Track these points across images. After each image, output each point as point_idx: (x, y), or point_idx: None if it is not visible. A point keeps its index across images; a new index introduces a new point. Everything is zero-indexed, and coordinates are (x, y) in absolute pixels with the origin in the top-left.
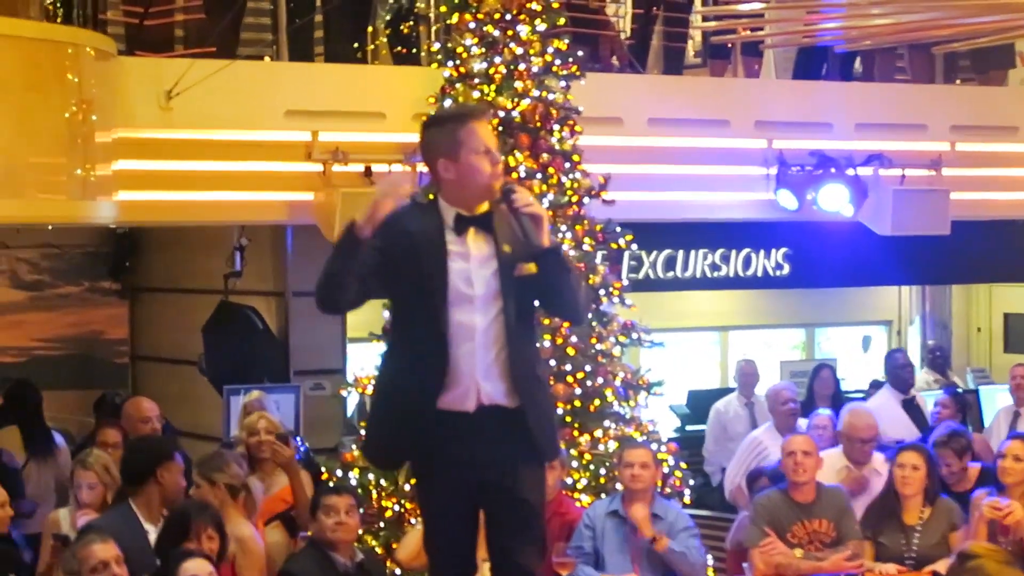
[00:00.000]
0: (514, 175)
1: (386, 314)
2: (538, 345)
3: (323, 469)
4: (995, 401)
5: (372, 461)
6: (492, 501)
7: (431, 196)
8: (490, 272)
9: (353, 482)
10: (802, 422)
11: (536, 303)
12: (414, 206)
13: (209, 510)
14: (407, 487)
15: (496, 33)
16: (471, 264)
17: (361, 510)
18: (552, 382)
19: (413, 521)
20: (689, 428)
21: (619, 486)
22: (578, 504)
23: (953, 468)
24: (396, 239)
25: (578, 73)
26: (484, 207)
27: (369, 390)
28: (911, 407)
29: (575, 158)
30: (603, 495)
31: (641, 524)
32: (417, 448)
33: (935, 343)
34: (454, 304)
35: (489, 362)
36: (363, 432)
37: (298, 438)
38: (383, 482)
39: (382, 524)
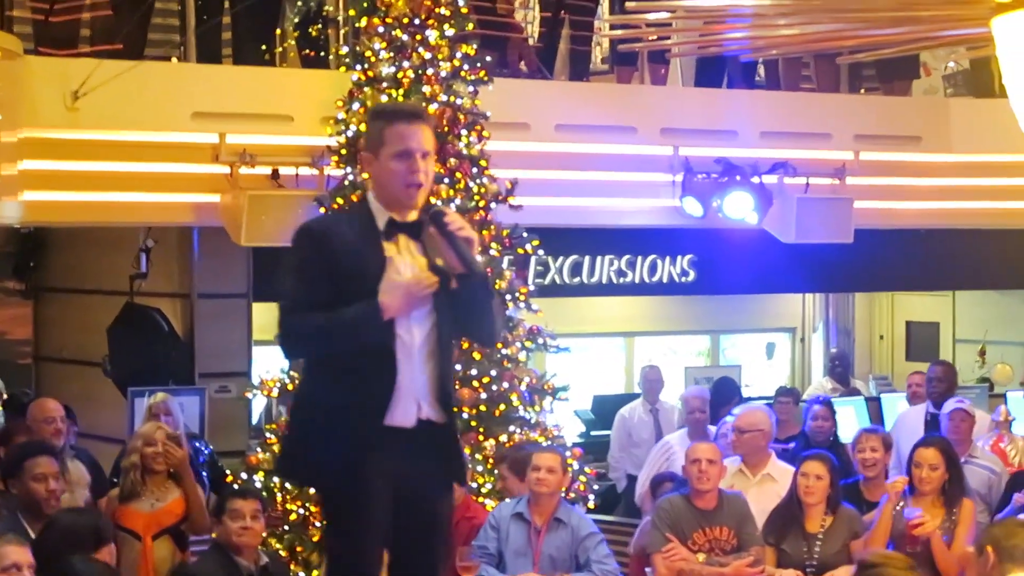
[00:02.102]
0: None
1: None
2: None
3: (228, 472)
4: (896, 408)
5: (293, 479)
6: (409, 514)
7: (351, 198)
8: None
9: (258, 485)
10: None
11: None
12: (340, 214)
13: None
14: (311, 490)
15: (404, 37)
16: (408, 277)
17: (266, 513)
18: (458, 386)
19: (318, 524)
20: (594, 433)
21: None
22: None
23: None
24: (337, 254)
25: (486, 78)
26: (413, 215)
27: (275, 393)
28: None
29: (482, 163)
30: (505, 499)
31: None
32: (354, 465)
33: (836, 351)
34: (397, 320)
35: (426, 378)
36: (282, 446)
37: (202, 441)
38: (288, 485)
39: (287, 527)
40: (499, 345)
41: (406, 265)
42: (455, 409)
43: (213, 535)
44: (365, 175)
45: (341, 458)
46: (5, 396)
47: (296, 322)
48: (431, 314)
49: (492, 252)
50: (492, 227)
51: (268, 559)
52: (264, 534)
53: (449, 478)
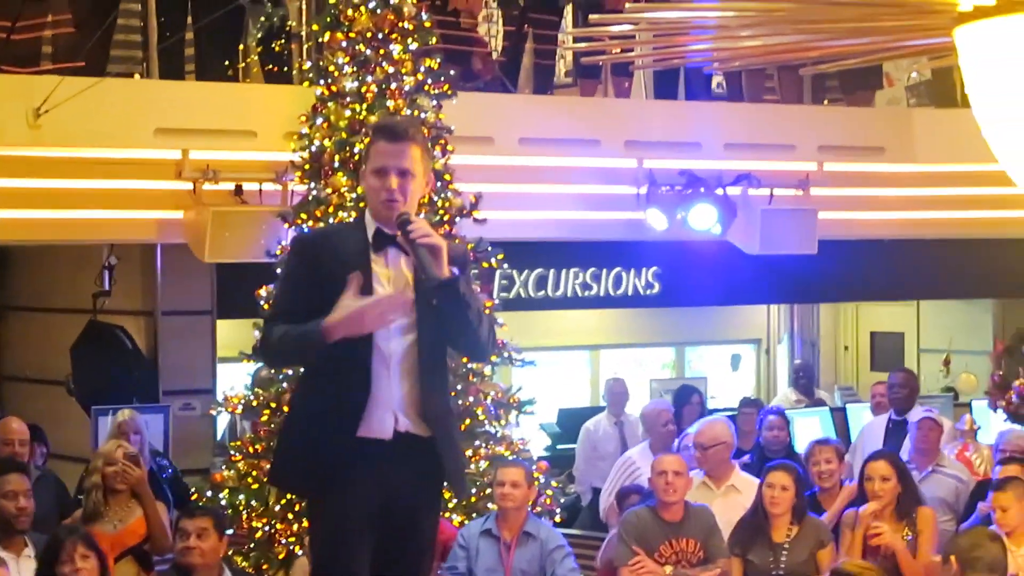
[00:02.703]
0: None
1: (256, 333)
2: (448, 377)
3: (193, 490)
4: (862, 419)
5: (281, 486)
6: (391, 528)
7: (315, 213)
8: (410, 300)
9: (223, 502)
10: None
11: None
12: (338, 226)
13: (79, 530)
14: (277, 508)
15: (368, 52)
16: (392, 289)
17: (231, 531)
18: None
19: (284, 541)
20: (560, 447)
21: (491, 505)
22: (452, 524)
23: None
24: (321, 259)
25: (449, 92)
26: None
27: (239, 410)
28: None
29: (446, 177)
30: (474, 515)
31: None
32: (332, 474)
33: (800, 362)
34: (376, 330)
35: (405, 391)
36: (275, 456)
37: (166, 459)
38: (253, 502)
39: (252, 544)
40: (464, 360)
41: (388, 280)
42: (454, 421)
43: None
44: (328, 190)
45: (317, 467)
46: None
47: (268, 333)
48: (413, 327)
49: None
50: (457, 240)
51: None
52: (228, 552)
53: (436, 492)
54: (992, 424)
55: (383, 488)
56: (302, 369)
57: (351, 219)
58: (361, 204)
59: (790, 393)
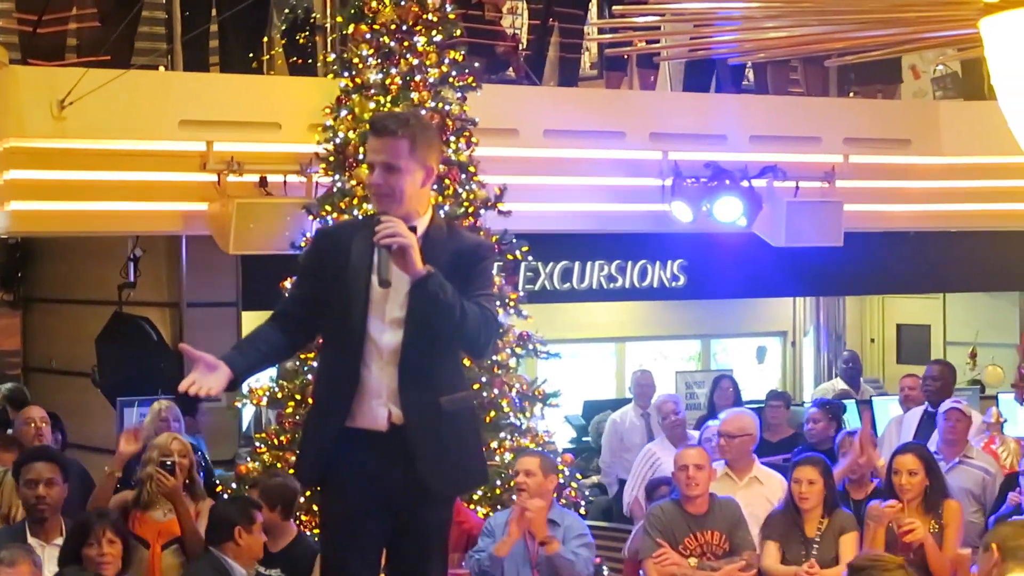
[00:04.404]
0: None
1: None
2: (456, 375)
3: (218, 481)
4: (888, 412)
5: (299, 480)
6: (398, 523)
7: (339, 205)
8: (404, 293)
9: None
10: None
11: None
12: (358, 219)
13: (109, 515)
14: (302, 499)
15: (392, 44)
16: (393, 283)
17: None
18: None
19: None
20: (585, 439)
21: (515, 497)
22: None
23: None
24: (330, 250)
25: (474, 84)
26: (421, 222)
27: (264, 402)
28: None
29: (471, 169)
30: (499, 506)
31: (536, 526)
32: (330, 465)
33: (848, 353)
34: (371, 322)
35: (397, 384)
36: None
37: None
38: None
39: None
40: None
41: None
42: (448, 421)
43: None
44: (353, 182)
45: (315, 457)
46: None
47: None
48: (407, 321)
49: None
50: (481, 233)
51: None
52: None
53: (436, 485)
54: (1019, 417)
55: (383, 480)
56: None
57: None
58: None
59: (837, 382)
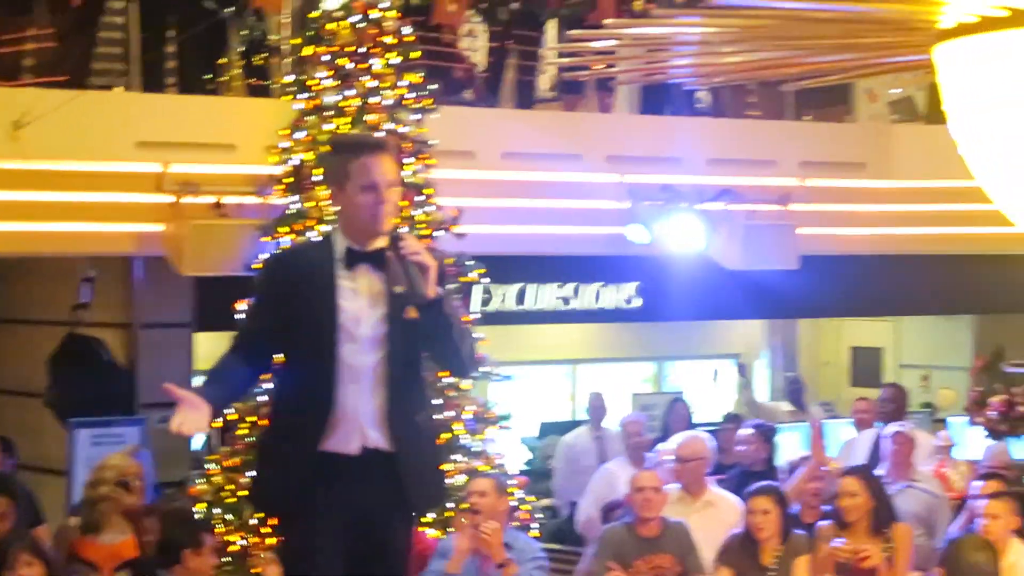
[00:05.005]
0: None
1: None
2: (426, 393)
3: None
4: (841, 435)
5: (260, 509)
6: (362, 545)
7: (295, 227)
8: (379, 314)
9: (198, 516)
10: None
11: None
12: (308, 243)
13: (25, 538)
14: (253, 522)
15: (349, 66)
16: (361, 304)
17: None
18: None
19: (262, 555)
20: (537, 460)
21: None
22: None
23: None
24: (287, 277)
25: (431, 106)
26: (378, 243)
27: (217, 423)
28: None
29: (427, 191)
30: (451, 528)
31: (493, 548)
32: (301, 491)
33: (792, 375)
34: (342, 344)
35: (373, 406)
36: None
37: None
38: (229, 516)
39: (228, 559)
40: (441, 374)
41: (356, 294)
42: (425, 438)
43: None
44: (309, 203)
45: (283, 483)
46: None
47: (218, 359)
48: (383, 343)
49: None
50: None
51: None
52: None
53: (404, 507)
54: (968, 440)
55: (353, 503)
56: (274, 387)
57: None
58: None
59: (784, 405)
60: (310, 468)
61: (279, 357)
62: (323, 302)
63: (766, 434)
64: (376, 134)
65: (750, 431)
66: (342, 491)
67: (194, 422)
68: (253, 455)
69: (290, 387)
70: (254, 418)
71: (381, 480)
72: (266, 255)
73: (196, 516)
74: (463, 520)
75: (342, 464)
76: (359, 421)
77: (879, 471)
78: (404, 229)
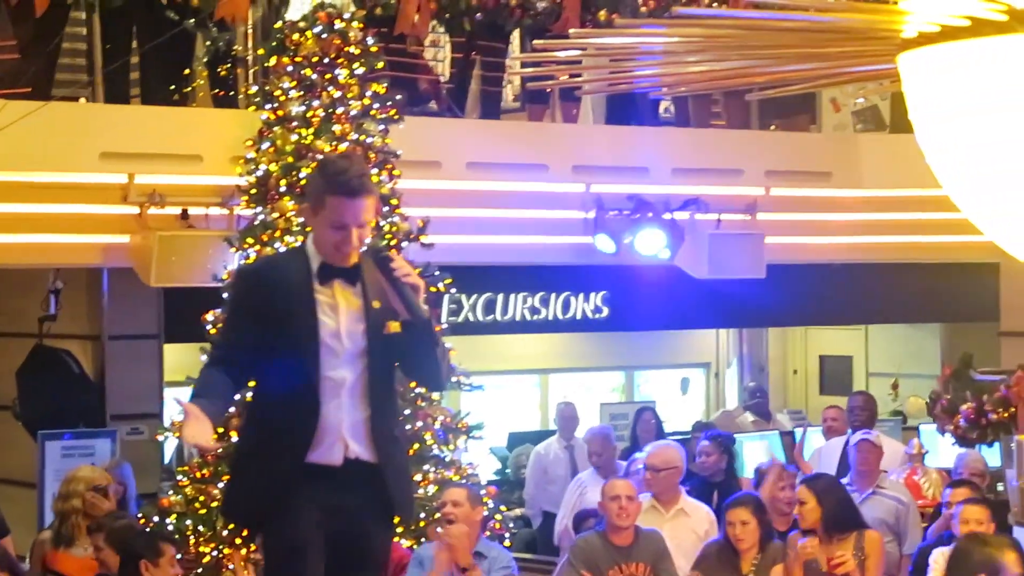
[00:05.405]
0: None
1: (203, 358)
2: (398, 403)
3: (141, 515)
4: (811, 443)
5: (236, 522)
6: (344, 554)
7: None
8: (360, 329)
9: (171, 528)
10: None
11: (396, 364)
12: (280, 255)
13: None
14: (225, 532)
15: (314, 76)
16: (341, 319)
17: (179, 556)
18: None
19: (231, 567)
20: (509, 471)
21: (440, 529)
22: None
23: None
24: (262, 290)
25: (396, 117)
26: (351, 259)
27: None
28: None
29: (393, 202)
30: (423, 539)
31: (459, 553)
32: (282, 503)
33: (753, 385)
34: (323, 359)
35: (355, 419)
36: (225, 493)
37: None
38: (201, 527)
39: (200, 570)
40: (412, 384)
41: (334, 309)
42: (401, 448)
43: None
44: (275, 214)
45: (267, 497)
46: None
47: (200, 373)
48: (363, 357)
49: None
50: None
51: None
52: None
53: (386, 516)
54: (940, 448)
55: (334, 513)
56: (249, 399)
57: (295, 245)
58: (308, 229)
59: (748, 416)
60: (293, 479)
61: (257, 370)
62: (302, 318)
63: (723, 444)
64: (342, 144)
65: (707, 442)
66: (324, 501)
67: (203, 434)
68: (225, 466)
69: (270, 400)
70: (221, 429)
71: (362, 489)
72: (236, 267)
73: (148, 528)
74: (439, 531)
75: (325, 475)
76: (341, 433)
77: (845, 480)
78: (392, 249)
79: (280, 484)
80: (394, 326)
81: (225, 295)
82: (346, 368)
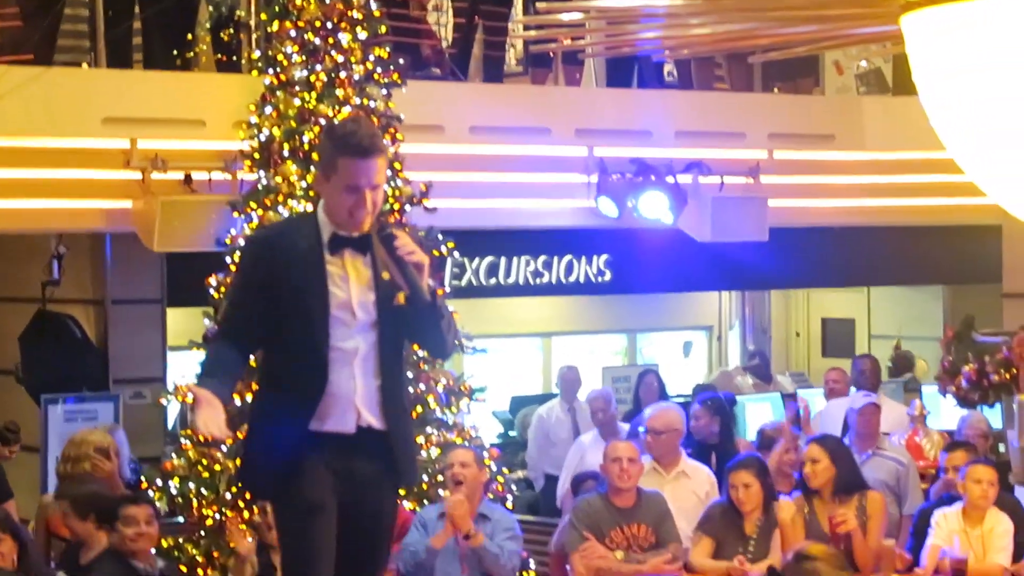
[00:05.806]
0: None
1: (207, 322)
2: (405, 370)
3: (143, 478)
4: (814, 405)
5: (253, 493)
6: (356, 518)
7: (264, 202)
8: (371, 299)
9: (173, 491)
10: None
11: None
12: (291, 222)
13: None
14: (228, 496)
15: (317, 41)
16: (352, 290)
17: (182, 519)
18: None
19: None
20: (512, 434)
21: (442, 492)
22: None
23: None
24: (272, 260)
25: (399, 81)
26: (364, 228)
27: (189, 398)
28: None
29: (396, 166)
30: (425, 501)
31: (458, 519)
32: (296, 471)
33: (753, 348)
34: (333, 330)
35: (368, 388)
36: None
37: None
38: (204, 491)
39: (203, 533)
40: (415, 347)
41: (345, 280)
42: (409, 417)
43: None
44: (278, 179)
45: (282, 469)
46: None
47: (210, 347)
48: (375, 327)
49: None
50: (407, 229)
51: (164, 564)
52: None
53: (394, 482)
54: (942, 409)
55: (347, 479)
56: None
57: (302, 212)
58: (311, 193)
59: (748, 378)
60: (304, 446)
61: (265, 341)
62: (314, 289)
63: (714, 407)
64: (345, 109)
65: (697, 406)
66: (337, 468)
67: (216, 422)
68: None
69: (282, 370)
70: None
71: (373, 455)
72: (245, 234)
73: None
74: (446, 493)
75: (337, 443)
76: (355, 402)
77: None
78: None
79: (292, 451)
80: (403, 297)
81: (228, 259)
82: (359, 338)
